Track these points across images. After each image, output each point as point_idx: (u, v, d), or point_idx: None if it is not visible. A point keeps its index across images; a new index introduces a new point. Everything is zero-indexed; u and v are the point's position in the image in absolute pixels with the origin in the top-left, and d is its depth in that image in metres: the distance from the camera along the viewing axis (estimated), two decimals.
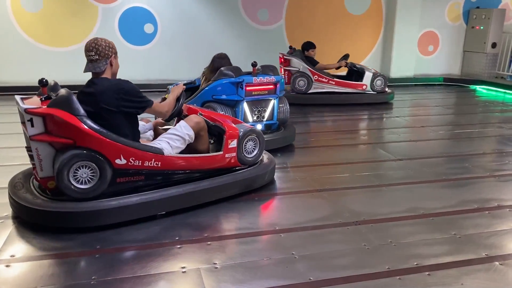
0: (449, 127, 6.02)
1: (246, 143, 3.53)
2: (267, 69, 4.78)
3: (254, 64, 4.67)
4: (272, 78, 4.67)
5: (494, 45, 9.69)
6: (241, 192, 3.42)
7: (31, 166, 3.11)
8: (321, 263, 2.51)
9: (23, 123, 2.83)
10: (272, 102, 4.75)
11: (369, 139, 5.42)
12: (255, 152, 3.60)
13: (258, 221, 3.14)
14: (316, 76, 7.17)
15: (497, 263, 2.52)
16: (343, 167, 4.22)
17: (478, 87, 9.51)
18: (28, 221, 2.87)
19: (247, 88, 4.51)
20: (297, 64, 7.11)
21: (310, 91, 7.17)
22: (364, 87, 7.30)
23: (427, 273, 2.41)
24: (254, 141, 3.58)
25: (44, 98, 2.81)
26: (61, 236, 2.74)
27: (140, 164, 2.96)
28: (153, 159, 3.01)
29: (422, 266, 2.48)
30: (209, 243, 2.73)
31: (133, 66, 8.51)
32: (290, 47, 7.42)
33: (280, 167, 4.14)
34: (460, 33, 10.25)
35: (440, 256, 2.59)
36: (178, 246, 2.67)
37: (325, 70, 7.40)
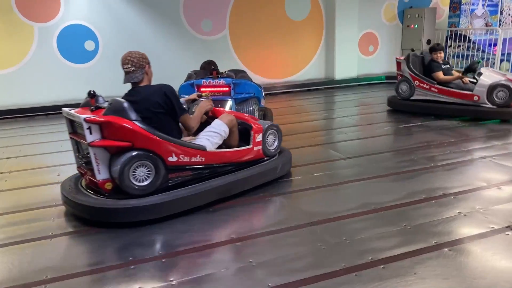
0: (394, 123, 6.25)
1: (267, 136, 3.90)
2: (232, 73, 5.32)
3: (213, 68, 5.19)
4: (222, 81, 5.03)
5: (429, 42, 10.20)
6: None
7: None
8: (279, 268, 2.51)
9: (73, 133, 3.28)
10: (229, 103, 5.01)
11: (319, 140, 5.51)
12: (275, 145, 4.00)
13: (214, 232, 3.09)
14: (417, 81, 6.50)
15: (446, 249, 2.62)
16: (295, 170, 4.26)
17: None
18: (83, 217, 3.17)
19: (201, 89, 4.93)
20: (403, 67, 6.63)
21: (413, 98, 6.57)
22: (475, 98, 6.03)
23: (382, 266, 2.47)
24: (274, 135, 3.98)
25: (94, 108, 3.15)
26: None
27: (188, 160, 3.29)
28: (198, 155, 3.35)
29: (377, 260, 2.54)
30: (164, 260, 2.65)
31: (75, 85, 8.25)
32: (412, 50, 7.01)
33: None
34: (397, 32, 10.72)
35: (393, 249, 2.66)
36: (132, 267, 2.58)
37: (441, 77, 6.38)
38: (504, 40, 8.74)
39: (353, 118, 6.75)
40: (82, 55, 8.35)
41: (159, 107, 3.20)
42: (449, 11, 10.14)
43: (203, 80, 5.03)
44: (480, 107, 5.97)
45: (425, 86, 6.41)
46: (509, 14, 10.02)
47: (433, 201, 3.36)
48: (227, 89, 5.03)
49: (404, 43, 10.71)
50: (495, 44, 8.92)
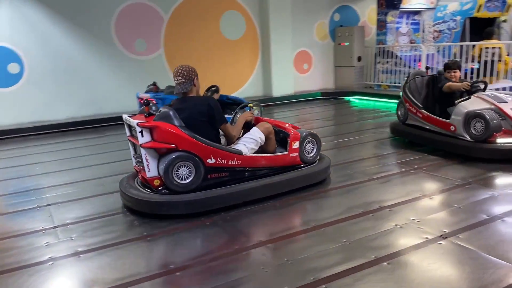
0: (330, 137, 6.40)
1: (306, 144, 4.14)
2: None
3: (153, 83, 6.04)
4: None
5: (359, 59, 10.68)
6: (131, 239, 3.19)
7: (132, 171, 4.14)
8: None
9: (131, 135, 3.84)
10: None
11: None
12: (313, 152, 4.21)
13: (150, 262, 2.94)
14: (407, 104, 5.63)
15: (384, 263, 2.65)
16: None
17: (351, 98, 10.37)
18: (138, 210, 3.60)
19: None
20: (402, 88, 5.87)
21: (408, 122, 5.69)
22: (452, 128, 4.99)
23: (324, 286, 2.45)
24: (312, 143, 4.20)
25: (147, 114, 3.60)
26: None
27: (225, 162, 3.66)
28: (235, 158, 3.70)
29: (319, 279, 2.51)
30: None
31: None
32: (427, 68, 6.06)
33: None
34: (329, 50, 11.13)
35: (334, 266, 2.65)
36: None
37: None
38: (427, 55, 9.34)
39: None
40: (5, 79, 7.83)
41: (202, 116, 3.61)
42: (377, 29, 10.70)
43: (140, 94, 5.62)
44: (457, 139, 4.92)
45: (412, 109, 5.56)
46: (430, 32, 10.76)
47: (370, 214, 3.42)
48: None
49: (337, 61, 11.14)
50: (419, 60, 9.51)
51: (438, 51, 9.70)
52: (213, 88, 5.82)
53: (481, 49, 8.35)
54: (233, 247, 3.00)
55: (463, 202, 3.57)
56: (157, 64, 9.05)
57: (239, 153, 3.74)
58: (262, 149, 4.01)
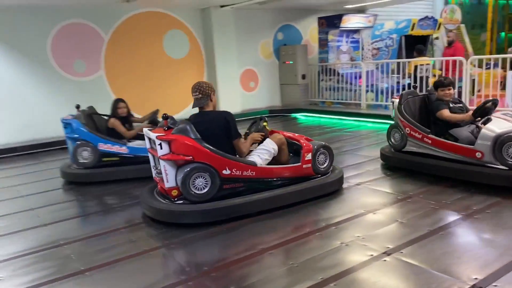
0: None
1: (318, 156, 4.27)
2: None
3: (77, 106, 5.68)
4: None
5: (303, 77, 10.90)
6: (67, 275, 2.96)
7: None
8: None
9: (151, 148, 3.99)
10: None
11: None
12: (326, 164, 4.35)
13: None
14: (408, 128, 4.97)
15: (331, 284, 2.63)
16: None
17: (298, 115, 10.52)
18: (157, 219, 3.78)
19: None
20: (394, 110, 5.18)
21: (406, 149, 5.04)
22: (478, 155, 4.28)
23: None
24: (325, 155, 4.33)
25: (166, 128, 3.80)
26: None
27: (240, 173, 3.83)
28: (249, 170, 3.87)
29: None
30: None
31: None
32: (414, 87, 5.53)
33: (120, 227, 3.79)
34: (274, 68, 11.28)
35: None
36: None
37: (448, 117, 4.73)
38: (367, 72, 9.70)
39: None
40: None
41: (219, 129, 3.81)
42: (319, 47, 11.00)
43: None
44: (485, 167, 4.23)
45: (416, 135, 4.91)
46: (369, 49, 11.21)
47: (317, 233, 3.41)
48: None
49: (282, 79, 11.30)
50: (360, 77, 9.85)
51: (377, 68, 10.10)
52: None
53: (416, 66, 8.78)
54: (179, 277, 2.85)
55: (406, 217, 3.65)
56: (97, 85, 8.74)
57: (253, 164, 3.90)
58: (275, 160, 4.14)
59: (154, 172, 4.13)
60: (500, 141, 4.08)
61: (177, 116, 9.75)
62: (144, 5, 8.88)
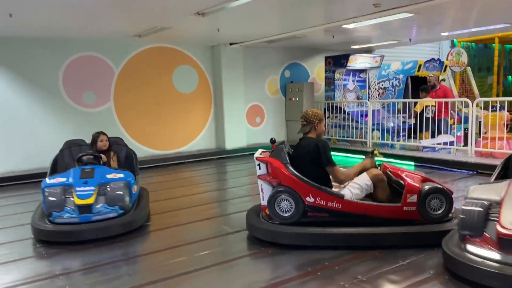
0: None
1: (430, 200, 3.82)
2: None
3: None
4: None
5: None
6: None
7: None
8: None
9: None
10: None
11: (209, 214, 5.31)
12: (442, 210, 3.85)
13: None
14: None
15: None
16: (180, 250, 3.98)
17: None
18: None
19: None
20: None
21: None
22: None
23: None
24: (440, 199, 3.84)
25: (272, 151, 4.10)
26: None
27: (324, 203, 3.82)
28: (335, 201, 3.81)
29: None
30: None
31: None
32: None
33: (109, 261, 3.72)
34: (281, 104, 11.39)
35: None
36: None
37: None
38: (373, 111, 9.74)
39: (243, 188, 6.74)
40: None
41: (308, 155, 3.92)
42: (325, 85, 11.13)
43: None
44: None
45: None
46: (375, 89, 11.32)
47: (318, 273, 3.32)
48: None
49: (288, 115, 11.39)
50: (366, 115, 9.89)
51: (383, 107, 10.16)
52: None
53: (424, 106, 8.81)
54: None
55: None
56: (106, 116, 8.84)
57: (341, 196, 3.81)
58: (372, 197, 3.98)
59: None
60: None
61: (184, 149, 9.88)
62: (156, 40, 9.10)
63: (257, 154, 4.14)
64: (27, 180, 7.71)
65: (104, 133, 5.46)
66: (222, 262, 3.65)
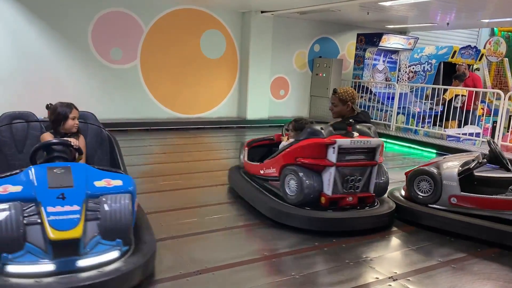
0: None
1: None
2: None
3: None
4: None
5: (335, 91, 10.77)
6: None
7: None
8: None
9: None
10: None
11: (223, 180, 5.33)
12: None
13: None
14: None
15: None
16: (193, 211, 4.04)
17: None
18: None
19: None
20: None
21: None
22: None
23: None
24: None
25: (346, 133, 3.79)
26: None
27: None
28: None
29: None
30: None
31: None
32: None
33: None
34: (306, 79, 11.23)
35: None
36: None
37: None
38: (400, 94, 9.51)
39: None
40: None
41: None
42: (354, 64, 10.89)
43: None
44: None
45: None
46: (405, 72, 11.02)
47: (325, 248, 3.32)
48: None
49: (313, 90, 11.24)
50: (393, 98, 9.67)
51: (411, 91, 9.90)
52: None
53: (454, 95, 8.55)
54: (177, 271, 2.83)
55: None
56: (131, 74, 8.89)
57: None
58: None
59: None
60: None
61: (206, 115, 9.89)
62: (187, 1, 9.00)
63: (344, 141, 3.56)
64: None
65: (76, 107, 3.50)
66: (232, 227, 3.69)
